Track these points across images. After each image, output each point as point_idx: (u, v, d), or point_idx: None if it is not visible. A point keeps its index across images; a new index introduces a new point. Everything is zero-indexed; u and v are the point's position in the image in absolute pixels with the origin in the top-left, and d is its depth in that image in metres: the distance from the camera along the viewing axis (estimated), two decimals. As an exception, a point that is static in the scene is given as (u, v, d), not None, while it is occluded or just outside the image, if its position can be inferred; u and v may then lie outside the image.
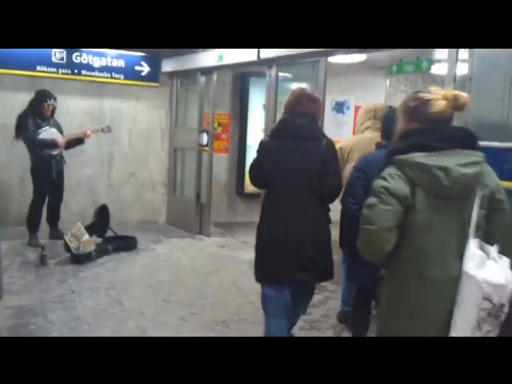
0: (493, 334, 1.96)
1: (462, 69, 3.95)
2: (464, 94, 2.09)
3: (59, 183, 6.23)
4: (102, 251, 5.75)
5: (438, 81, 8.36)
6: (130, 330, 3.86)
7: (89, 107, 7.15)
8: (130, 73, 7.30)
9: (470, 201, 1.99)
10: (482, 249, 1.96)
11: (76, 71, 6.97)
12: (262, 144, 3.29)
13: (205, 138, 6.99)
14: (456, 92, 2.09)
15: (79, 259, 5.43)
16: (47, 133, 5.97)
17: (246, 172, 7.91)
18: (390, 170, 2.02)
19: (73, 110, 7.02)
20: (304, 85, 7.19)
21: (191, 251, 6.25)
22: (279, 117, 6.09)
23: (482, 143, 3.64)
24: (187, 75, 7.40)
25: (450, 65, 3.95)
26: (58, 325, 3.87)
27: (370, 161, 3.08)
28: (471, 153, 2.02)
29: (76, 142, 6.28)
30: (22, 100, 6.27)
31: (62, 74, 6.89)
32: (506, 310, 1.93)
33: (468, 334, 1.94)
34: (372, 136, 3.83)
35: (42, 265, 5.25)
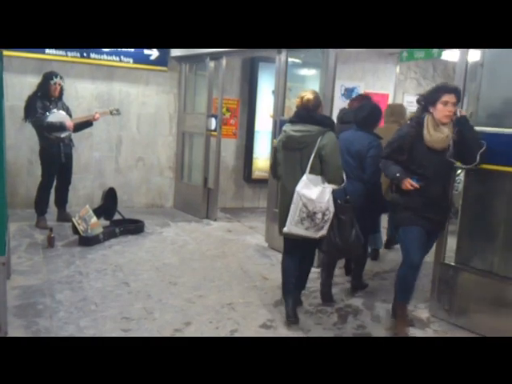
0: (312, 231, 3.54)
1: (474, 55, 3.91)
2: (304, 93, 3.81)
3: (67, 166, 6.24)
4: (109, 234, 5.78)
5: (449, 67, 8.32)
6: (136, 311, 3.89)
7: (97, 91, 7.14)
8: (139, 57, 7.26)
9: (305, 152, 3.60)
10: (313, 180, 3.55)
11: (85, 54, 6.95)
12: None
13: (213, 123, 6.97)
14: (302, 93, 3.80)
15: (87, 241, 5.46)
16: (56, 115, 5.97)
17: (254, 158, 8.00)
18: None
19: (81, 94, 7.02)
20: (313, 71, 7.16)
21: (198, 235, 6.27)
22: (288, 103, 6.12)
23: (493, 130, 3.63)
24: (196, 60, 7.37)
25: (462, 51, 3.91)
26: (65, 305, 3.90)
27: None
28: (310, 126, 3.63)
29: (85, 124, 6.29)
30: (30, 83, 6.28)
31: (71, 57, 6.87)
32: (319, 216, 3.48)
33: (293, 225, 3.54)
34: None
35: (50, 246, 5.28)
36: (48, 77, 5.98)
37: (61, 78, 6.05)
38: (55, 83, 5.97)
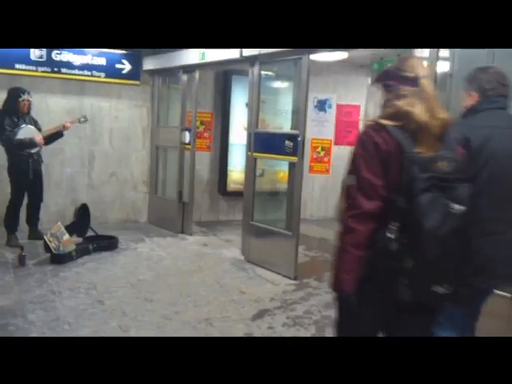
0: None
1: (443, 66, 3.99)
2: None
3: (37, 183, 6.12)
4: (82, 251, 5.67)
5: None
6: (111, 329, 3.81)
7: (69, 105, 7.05)
8: (110, 71, 7.21)
9: None
10: None
11: (56, 69, 6.86)
12: None
13: (187, 137, 6.95)
14: None
15: (59, 259, 5.35)
16: (24, 130, 5.86)
17: (229, 170, 7.99)
18: None
19: (53, 109, 6.91)
20: (286, 83, 7.21)
21: (173, 250, 6.21)
22: (262, 115, 6.13)
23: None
24: (169, 73, 7.35)
25: (431, 62, 3.98)
26: (37, 325, 3.80)
27: None
28: None
29: (55, 136, 6.17)
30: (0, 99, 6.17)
31: (42, 71, 6.78)
32: None
33: None
34: None
35: (21, 265, 5.15)
36: (16, 94, 5.88)
37: (28, 93, 5.96)
38: (23, 100, 5.88)
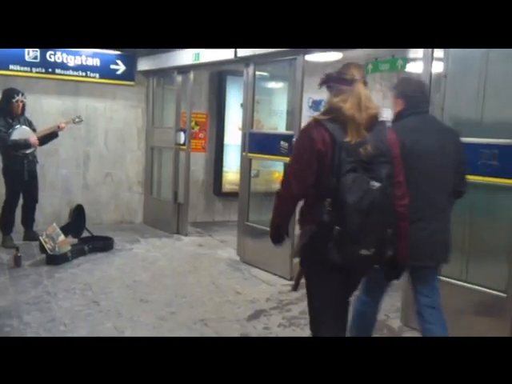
0: None
1: (438, 67, 4.01)
2: None
3: (32, 184, 6.10)
4: (77, 252, 5.66)
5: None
6: (107, 330, 3.80)
7: (63, 106, 7.04)
8: (105, 71, 7.21)
9: None
10: None
11: (50, 70, 6.86)
12: None
13: (182, 137, 6.96)
14: None
15: (54, 260, 5.34)
16: (19, 131, 5.85)
17: (224, 171, 7.99)
18: None
19: (47, 110, 6.90)
20: (281, 84, 7.22)
21: (169, 251, 6.20)
22: (257, 116, 6.14)
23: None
24: (163, 74, 7.35)
25: (426, 63, 4.00)
26: (33, 326, 3.79)
27: None
28: None
29: (50, 136, 6.16)
30: (-7, 99, 6.15)
31: (36, 72, 6.77)
32: None
33: None
34: None
35: (17, 266, 5.14)
36: (10, 95, 5.87)
37: (22, 94, 5.94)
38: (17, 101, 5.87)
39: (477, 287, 3.66)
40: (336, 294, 2.43)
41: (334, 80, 2.45)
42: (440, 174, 2.87)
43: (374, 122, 2.35)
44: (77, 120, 6.35)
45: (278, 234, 2.60)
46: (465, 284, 3.73)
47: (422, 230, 2.77)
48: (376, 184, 2.21)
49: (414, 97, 2.92)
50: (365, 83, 2.41)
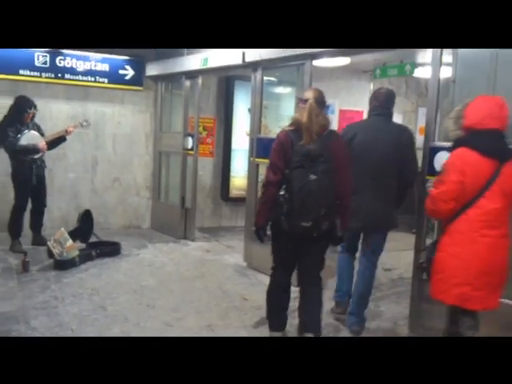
0: None
1: (446, 72, 3.98)
2: None
3: (40, 189, 6.13)
4: (85, 257, 5.67)
5: (422, 84, 8.45)
6: (114, 335, 3.80)
7: (72, 111, 7.07)
8: (114, 76, 7.23)
9: None
10: None
11: (59, 75, 6.89)
12: None
13: (190, 142, 6.96)
14: None
15: (62, 265, 5.35)
16: (27, 136, 5.88)
17: (232, 176, 7.98)
18: None
19: (56, 115, 6.94)
20: (289, 89, 7.21)
21: (176, 256, 6.20)
22: (264, 121, 6.13)
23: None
24: (172, 79, 7.36)
25: (434, 68, 3.97)
26: (40, 331, 3.79)
27: None
28: None
29: (58, 140, 6.19)
30: (3, 104, 6.16)
31: (46, 77, 6.81)
32: None
33: None
34: None
35: (25, 271, 5.16)
36: (23, 107, 5.88)
37: (35, 107, 5.98)
38: (29, 113, 5.91)
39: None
40: (285, 250, 3.43)
41: (299, 100, 3.42)
42: (373, 162, 3.80)
43: (323, 131, 3.25)
44: (84, 124, 6.37)
45: (260, 232, 3.42)
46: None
47: (353, 201, 3.51)
48: (313, 177, 3.11)
49: (375, 103, 4.00)
50: (318, 102, 3.29)
